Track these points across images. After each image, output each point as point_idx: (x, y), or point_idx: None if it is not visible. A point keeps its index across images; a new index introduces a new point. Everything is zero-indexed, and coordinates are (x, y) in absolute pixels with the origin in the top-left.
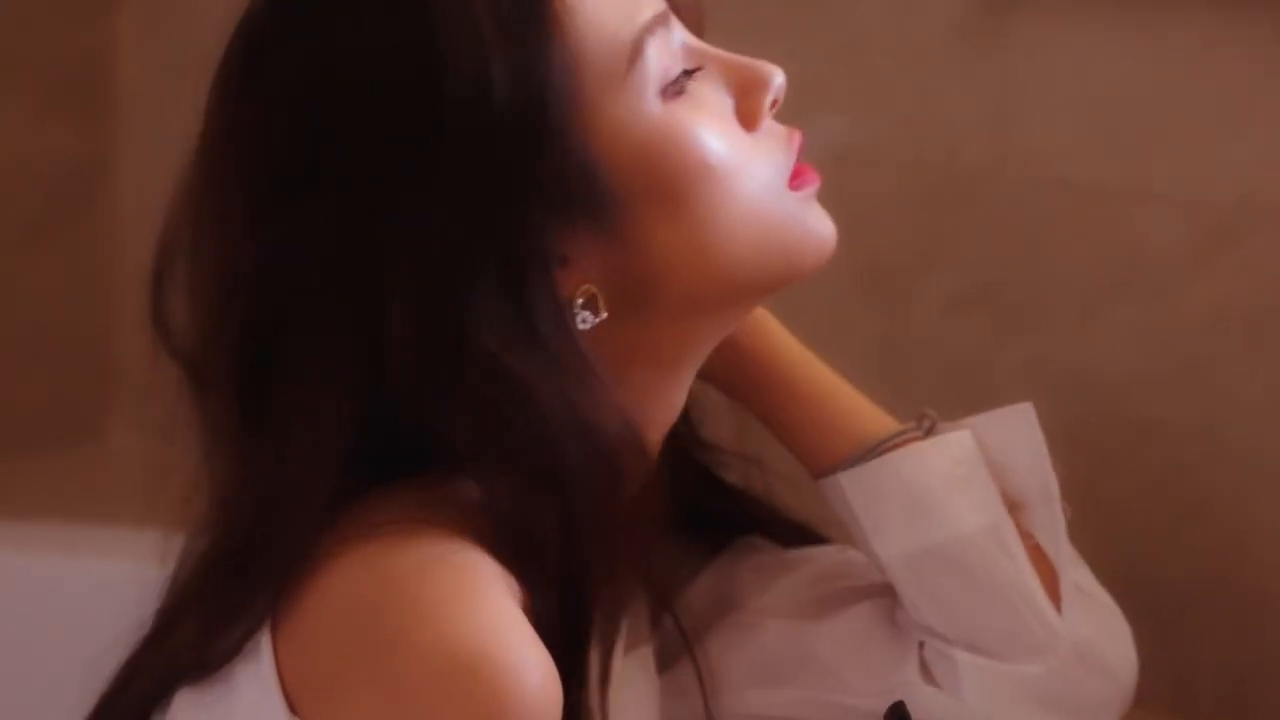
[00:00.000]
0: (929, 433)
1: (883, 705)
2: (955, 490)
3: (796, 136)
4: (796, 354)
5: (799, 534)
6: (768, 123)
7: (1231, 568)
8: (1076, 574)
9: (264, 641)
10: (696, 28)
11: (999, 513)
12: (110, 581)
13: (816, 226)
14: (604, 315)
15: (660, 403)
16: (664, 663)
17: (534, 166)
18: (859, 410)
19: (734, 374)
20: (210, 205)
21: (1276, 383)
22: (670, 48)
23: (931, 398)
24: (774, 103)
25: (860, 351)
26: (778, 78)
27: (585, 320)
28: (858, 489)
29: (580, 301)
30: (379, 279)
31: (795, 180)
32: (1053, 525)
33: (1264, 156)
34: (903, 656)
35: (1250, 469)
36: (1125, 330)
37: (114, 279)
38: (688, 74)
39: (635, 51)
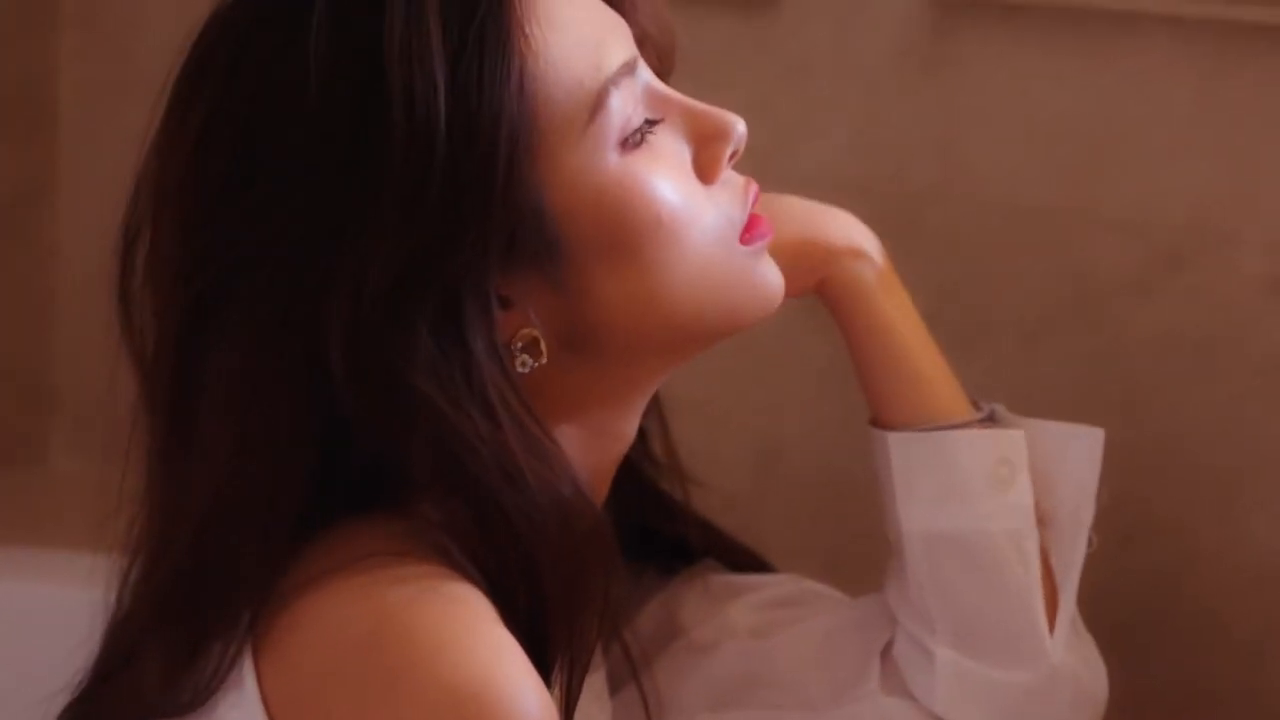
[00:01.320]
0: (988, 421)
1: (845, 718)
2: (993, 487)
3: (753, 188)
4: (899, 313)
5: (749, 560)
6: (725, 173)
7: (1178, 589)
8: (1074, 610)
9: (248, 674)
10: (666, 62)
11: (1028, 521)
12: (51, 606)
13: (763, 282)
14: (544, 360)
15: (609, 438)
16: (615, 686)
17: (480, 209)
18: (937, 385)
19: (836, 307)
20: (157, 215)
21: (1223, 406)
22: (634, 94)
23: None
24: (733, 154)
25: (806, 372)
26: (738, 128)
27: (525, 364)
28: (903, 454)
29: (520, 345)
30: (319, 307)
31: (747, 234)
32: (1072, 552)
33: (1210, 181)
34: (864, 668)
35: (1197, 492)
36: (1071, 353)
37: (53, 301)
38: (649, 124)
39: (598, 103)
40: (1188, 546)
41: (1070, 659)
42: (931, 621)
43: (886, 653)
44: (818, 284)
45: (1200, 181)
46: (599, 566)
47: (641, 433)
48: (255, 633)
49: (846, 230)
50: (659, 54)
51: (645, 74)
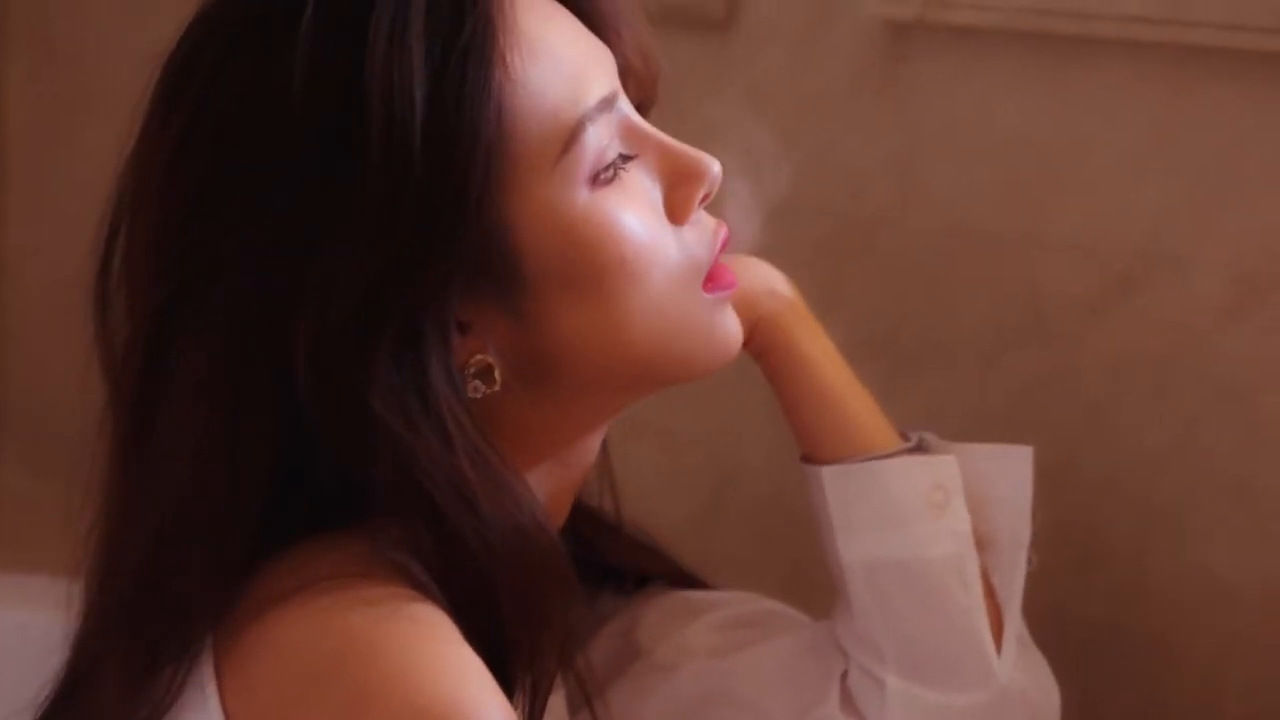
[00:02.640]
0: (919, 449)
1: None
2: (929, 512)
3: (722, 233)
4: (819, 350)
5: (696, 584)
6: (697, 214)
7: (1132, 612)
8: (1020, 627)
9: (211, 695)
10: (648, 94)
11: (966, 544)
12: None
13: (721, 333)
14: (497, 387)
15: (567, 467)
16: (575, 708)
17: (448, 232)
18: (864, 418)
19: (757, 350)
20: (135, 215)
21: (1177, 430)
22: (611, 128)
23: None
24: (705, 195)
25: (763, 397)
26: (712, 170)
27: (477, 390)
28: (837, 486)
29: (473, 370)
30: (287, 320)
31: (710, 283)
32: (1012, 571)
33: (1164, 205)
34: (825, 689)
35: (1151, 515)
36: (1027, 377)
37: (3, 319)
38: (623, 159)
39: (572, 137)
40: (1142, 569)
41: (1020, 678)
42: (880, 650)
43: (845, 677)
44: (747, 335)
45: (1155, 205)
46: (556, 589)
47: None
48: (217, 651)
49: (763, 275)
50: (641, 85)
51: (625, 107)
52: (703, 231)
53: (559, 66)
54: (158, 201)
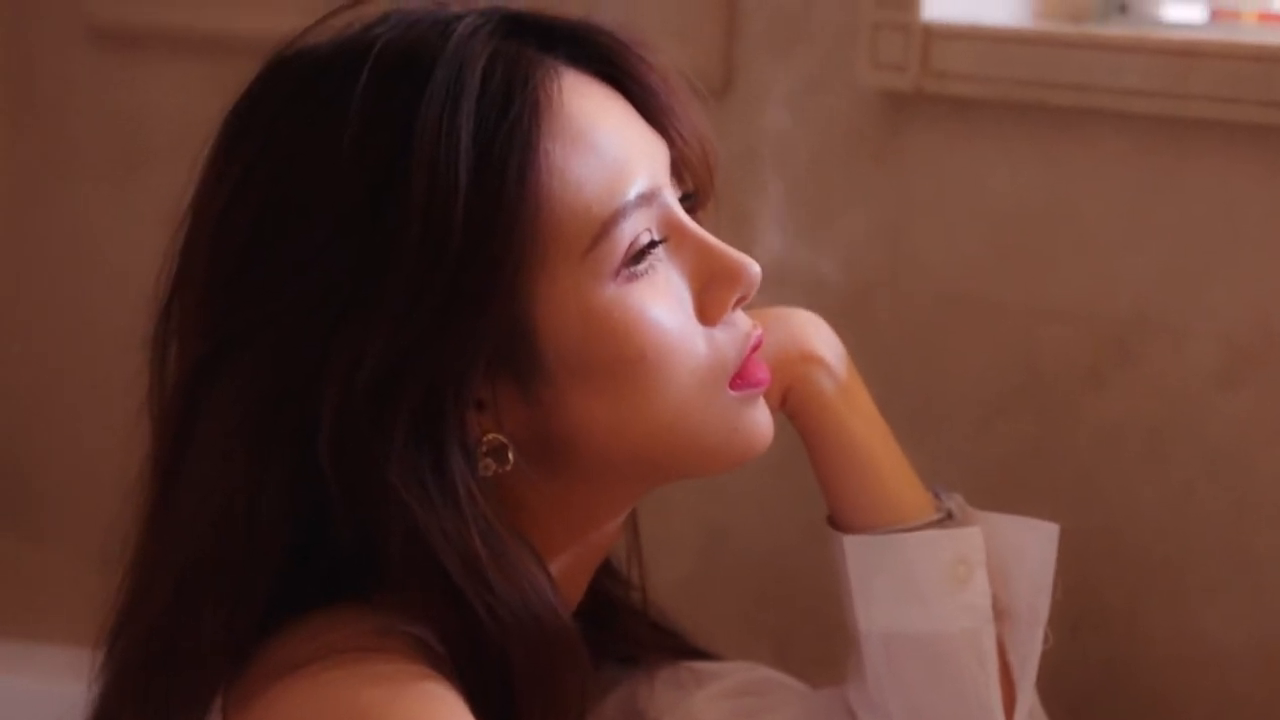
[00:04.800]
0: (947, 520)
1: None
2: (951, 587)
3: (755, 336)
4: (853, 414)
5: (700, 655)
6: (731, 315)
7: (1128, 677)
8: (1034, 702)
9: None
10: (703, 189)
11: (985, 619)
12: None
13: (746, 429)
14: (509, 467)
15: (585, 547)
16: None
17: (472, 310)
18: (892, 486)
19: (791, 415)
20: (187, 268)
21: (1171, 494)
22: (650, 219)
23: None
24: (742, 298)
25: (755, 464)
26: (750, 272)
27: (489, 468)
28: (859, 556)
29: (485, 449)
30: (313, 386)
31: (739, 381)
32: (1028, 647)
33: (1159, 272)
34: None
35: (1147, 578)
36: (1020, 443)
37: None
38: (653, 245)
39: (603, 232)
40: (1138, 634)
41: None
42: (890, 718)
43: None
44: (778, 399)
45: (1149, 274)
46: (569, 671)
47: None
48: (228, 715)
49: (800, 336)
50: (696, 175)
51: (669, 201)
52: (735, 333)
53: (601, 158)
54: (209, 252)
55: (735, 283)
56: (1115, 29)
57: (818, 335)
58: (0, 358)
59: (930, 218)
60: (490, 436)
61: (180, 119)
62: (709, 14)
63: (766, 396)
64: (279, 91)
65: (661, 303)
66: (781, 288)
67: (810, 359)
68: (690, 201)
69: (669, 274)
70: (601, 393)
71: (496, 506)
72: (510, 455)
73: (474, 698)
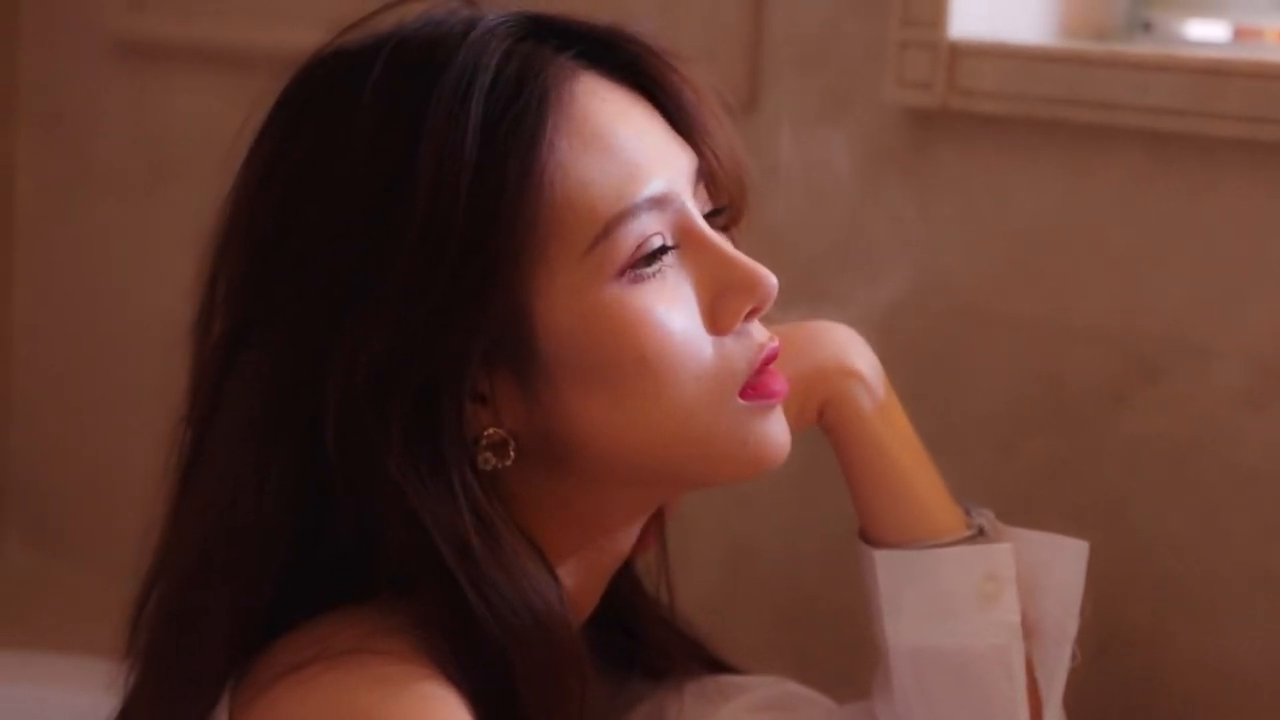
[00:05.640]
0: (978, 536)
1: None
2: (980, 603)
3: (770, 348)
4: (888, 430)
5: (726, 669)
6: (747, 325)
7: (1154, 698)
8: (1060, 718)
9: None
10: (735, 200)
11: (1014, 635)
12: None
13: (758, 440)
14: (508, 462)
15: (597, 553)
16: None
17: (472, 301)
18: (925, 502)
19: (826, 428)
20: (224, 249)
21: (1197, 517)
22: (661, 224)
23: (852, 525)
24: (754, 310)
25: (778, 471)
26: (766, 283)
27: (487, 462)
28: (889, 571)
29: (485, 443)
30: (321, 376)
31: (750, 390)
32: (1056, 665)
33: (1185, 291)
34: None
35: (1171, 602)
36: (1045, 463)
37: (9, 395)
38: (664, 250)
39: (604, 232)
40: (1164, 655)
41: None
42: None
43: None
44: (815, 412)
45: (1176, 293)
46: (569, 669)
47: None
48: (234, 715)
49: (838, 350)
50: (725, 190)
51: (687, 208)
52: (748, 343)
53: (613, 158)
54: (239, 239)
55: (749, 292)
56: (1140, 47)
57: (856, 350)
58: (22, 372)
59: (955, 235)
60: (490, 431)
61: (203, 133)
62: (734, 31)
63: (803, 410)
64: (309, 83)
65: (667, 307)
66: (806, 305)
67: (849, 373)
68: (723, 217)
69: (680, 280)
70: (600, 394)
71: (500, 503)
72: (511, 451)
73: (477, 700)
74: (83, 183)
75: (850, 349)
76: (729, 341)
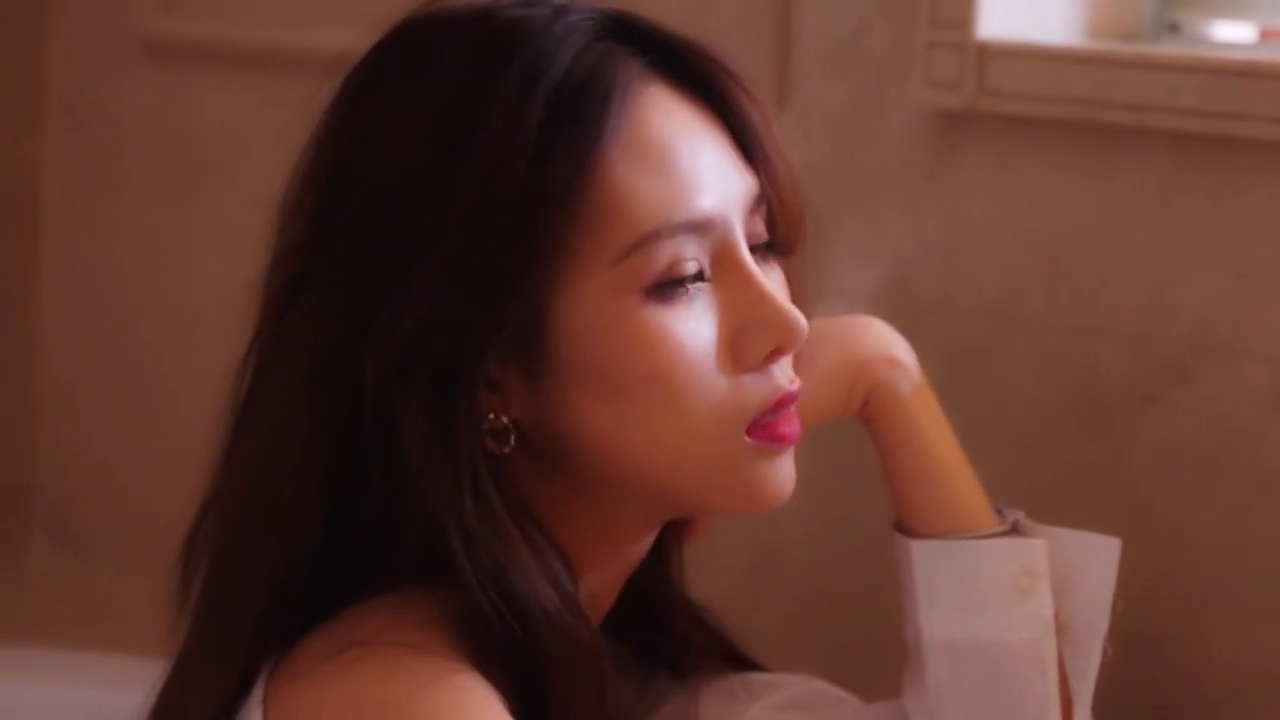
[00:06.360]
0: (1011, 531)
1: None
2: (1015, 597)
3: (788, 390)
4: (930, 422)
5: (751, 666)
6: (769, 365)
7: (1183, 699)
8: (1089, 717)
9: None
10: (790, 232)
11: (1047, 630)
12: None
13: (759, 481)
14: (506, 450)
15: (610, 554)
16: None
17: (502, 290)
18: (963, 495)
19: (869, 416)
20: (299, 196)
21: (1226, 519)
22: (699, 249)
23: (877, 526)
24: (778, 350)
25: (803, 473)
26: (795, 328)
27: (485, 447)
28: (926, 561)
29: (487, 427)
30: (360, 346)
31: (760, 431)
32: (1086, 661)
33: (1215, 295)
34: None
35: (1200, 603)
36: (1074, 463)
37: (35, 397)
38: (694, 279)
39: (635, 247)
40: (1192, 656)
41: None
42: None
43: None
44: (860, 401)
45: (1204, 294)
46: (586, 660)
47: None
48: (268, 698)
49: (882, 341)
50: (780, 221)
51: (732, 235)
52: (766, 383)
53: (663, 173)
54: (309, 186)
55: (775, 333)
56: (1167, 48)
57: (896, 341)
58: (49, 375)
59: (983, 236)
60: (493, 416)
61: (232, 135)
62: (762, 32)
63: (850, 397)
64: (393, 44)
65: (688, 331)
66: (834, 306)
67: (893, 362)
68: (774, 249)
69: (707, 308)
70: (606, 402)
71: (512, 495)
72: (511, 439)
73: (509, 692)
74: (110, 185)
75: (891, 338)
76: (747, 378)
